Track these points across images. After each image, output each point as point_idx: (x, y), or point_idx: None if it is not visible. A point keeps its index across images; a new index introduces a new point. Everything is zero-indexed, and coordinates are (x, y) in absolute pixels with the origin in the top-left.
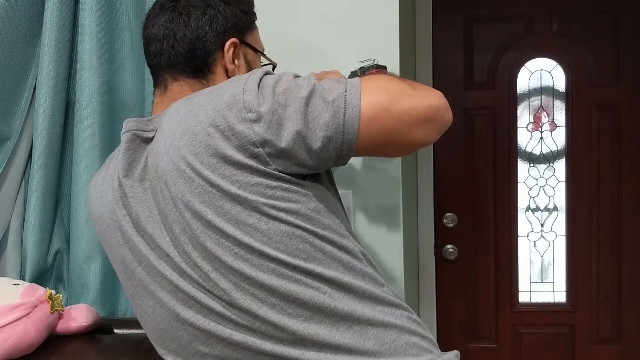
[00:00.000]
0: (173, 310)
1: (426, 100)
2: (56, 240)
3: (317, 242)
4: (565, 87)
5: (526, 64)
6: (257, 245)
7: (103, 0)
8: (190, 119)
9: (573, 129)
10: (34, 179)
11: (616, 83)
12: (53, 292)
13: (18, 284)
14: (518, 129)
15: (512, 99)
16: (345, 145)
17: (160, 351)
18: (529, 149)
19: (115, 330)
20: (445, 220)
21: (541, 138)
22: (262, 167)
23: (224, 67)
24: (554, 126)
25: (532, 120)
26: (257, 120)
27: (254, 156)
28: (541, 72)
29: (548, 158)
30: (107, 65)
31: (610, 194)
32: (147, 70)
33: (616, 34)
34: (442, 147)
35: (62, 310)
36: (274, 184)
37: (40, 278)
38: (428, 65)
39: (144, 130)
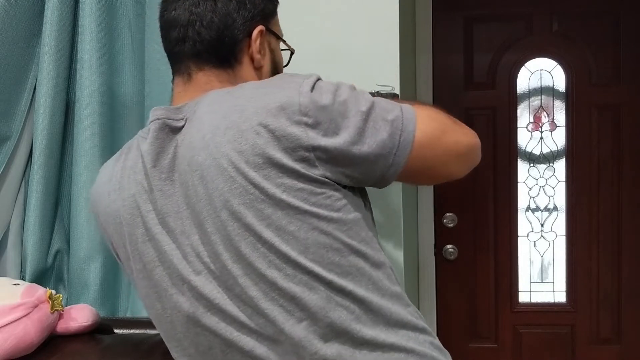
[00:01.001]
0: (193, 316)
1: (468, 137)
2: (56, 240)
3: (352, 257)
4: (565, 87)
5: (526, 64)
6: (293, 254)
7: (103, 0)
8: (237, 114)
9: (573, 129)
10: (34, 179)
11: (616, 83)
12: (53, 292)
13: (18, 284)
14: (518, 129)
15: (512, 99)
16: (392, 167)
17: (174, 354)
18: (529, 149)
19: (115, 330)
20: (445, 220)
21: (541, 138)
22: (308, 172)
23: (250, 57)
24: (554, 126)
25: (532, 120)
26: (313, 125)
27: (303, 160)
28: (541, 72)
29: (548, 158)
30: (107, 65)
31: (610, 194)
32: (147, 70)
33: (616, 34)
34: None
35: (62, 310)
36: (319, 190)
37: (40, 278)
38: (428, 65)
39: (173, 119)
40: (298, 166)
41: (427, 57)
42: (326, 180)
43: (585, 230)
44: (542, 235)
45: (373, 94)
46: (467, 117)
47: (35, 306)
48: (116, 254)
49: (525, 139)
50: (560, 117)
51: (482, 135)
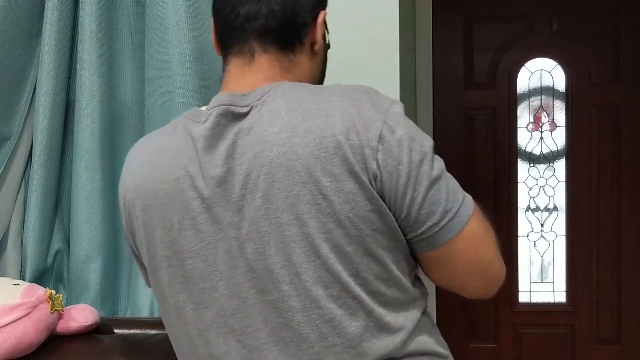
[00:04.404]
0: (220, 315)
1: (502, 268)
2: (56, 240)
3: (395, 289)
4: (565, 87)
5: (526, 64)
6: (344, 276)
7: (103, 0)
8: (320, 119)
9: (573, 129)
10: (34, 179)
11: (616, 83)
12: (53, 292)
13: (18, 284)
14: (518, 129)
15: (512, 99)
16: (425, 242)
17: (181, 352)
18: (529, 149)
19: (115, 330)
20: None
21: (541, 138)
22: (377, 197)
23: (312, 42)
24: (554, 126)
25: (532, 120)
26: (385, 158)
27: (372, 185)
28: (541, 72)
29: (548, 158)
30: (107, 65)
31: (610, 194)
32: (147, 71)
33: (616, 34)
34: (442, 147)
35: (62, 310)
36: (381, 216)
37: (40, 278)
38: (428, 65)
39: (237, 106)
40: (370, 188)
41: (427, 57)
42: (387, 210)
43: (585, 230)
44: (542, 235)
45: None
46: (467, 117)
47: (35, 306)
48: (132, 235)
49: (525, 139)
50: (560, 117)
51: (482, 135)
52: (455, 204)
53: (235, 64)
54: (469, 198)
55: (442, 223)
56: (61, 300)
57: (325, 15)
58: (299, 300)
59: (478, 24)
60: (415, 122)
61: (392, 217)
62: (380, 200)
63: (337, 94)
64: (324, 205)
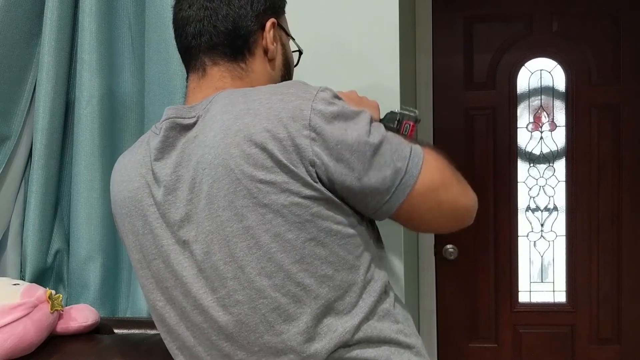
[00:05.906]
0: (183, 312)
1: (466, 198)
2: (56, 240)
3: (346, 272)
4: (565, 87)
5: (526, 64)
6: (286, 263)
7: (103, 0)
8: (249, 117)
9: (573, 129)
10: (34, 179)
11: (616, 83)
12: (53, 292)
13: (18, 284)
14: (518, 129)
15: (512, 99)
16: (387, 205)
17: (166, 343)
18: (529, 149)
19: (115, 330)
20: None
21: (541, 138)
22: (314, 183)
23: (264, 49)
24: (554, 126)
25: (532, 120)
26: (320, 143)
27: (308, 171)
28: (541, 72)
29: (548, 158)
30: (107, 65)
31: (610, 194)
32: (147, 71)
33: (616, 34)
34: (442, 147)
35: (62, 310)
36: (321, 201)
37: (40, 278)
38: (428, 65)
39: (183, 117)
40: (304, 175)
41: (427, 57)
42: (328, 194)
43: (585, 230)
44: (542, 235)
45: (396, 114)
46: (467, 117)
47: (35, 306)
48: (123, 241)
49: (525, 139)
50: (560, 117)
51: (482, 135)
52: (403, 161)
53: (193, 79)
54: (416, 149)
55: (396, 183)
56: (61, 300)
57: (274, 22)
58: (244, 293)
59: (478, 24)
60: None
61: (337, 199)
62: (320, 184)
63: (265, 92)
64: (260, 198)
